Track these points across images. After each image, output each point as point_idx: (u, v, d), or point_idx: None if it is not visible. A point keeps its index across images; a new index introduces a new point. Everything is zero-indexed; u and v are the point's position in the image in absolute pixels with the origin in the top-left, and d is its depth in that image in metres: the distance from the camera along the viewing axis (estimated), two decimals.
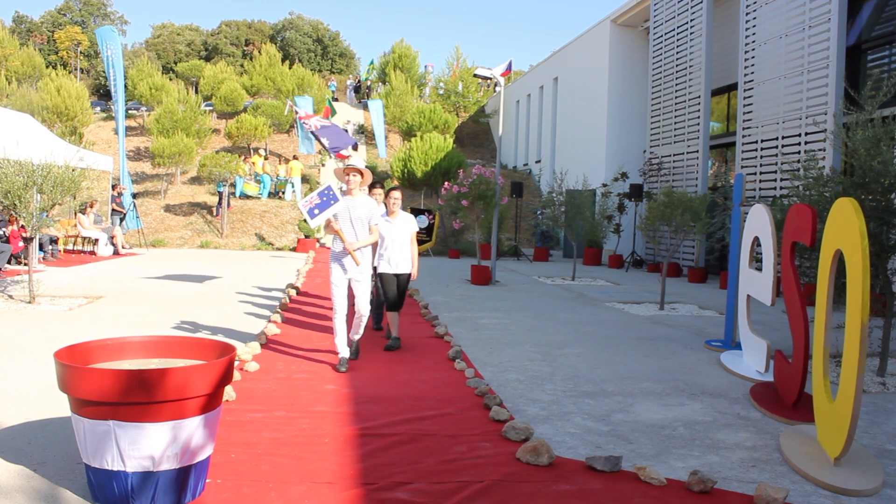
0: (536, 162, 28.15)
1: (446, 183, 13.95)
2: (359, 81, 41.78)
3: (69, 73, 39.05)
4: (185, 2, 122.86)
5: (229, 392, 5.08)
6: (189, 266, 15.13)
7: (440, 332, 7.98)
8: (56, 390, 3.46)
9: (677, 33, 17.79)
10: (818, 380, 4.50)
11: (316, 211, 6.07)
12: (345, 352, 6.32)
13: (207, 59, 56.73)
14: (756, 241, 6.90)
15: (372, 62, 40.78)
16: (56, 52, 57.97)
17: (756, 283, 6.72)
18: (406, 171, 22.43)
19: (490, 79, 15.75)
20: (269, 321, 8.38)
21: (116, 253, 17.15)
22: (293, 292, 10.92)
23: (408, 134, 28.78)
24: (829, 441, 4.23)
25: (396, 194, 7.27)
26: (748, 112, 15.01)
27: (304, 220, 7.74)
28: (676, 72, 17.82)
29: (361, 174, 6.47)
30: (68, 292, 10.38)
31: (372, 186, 7.59)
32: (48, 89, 26.13)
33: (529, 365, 6.67)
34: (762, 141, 14.50)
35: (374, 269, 7.30)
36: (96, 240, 16.75)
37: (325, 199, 6.12)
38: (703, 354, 7.50)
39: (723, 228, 14.41)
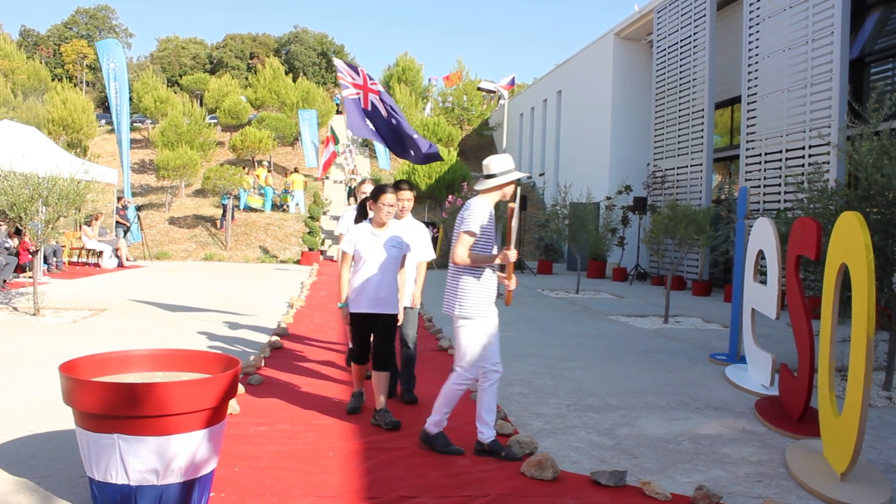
0: (540, 175, 28.19)
1: (450, 196, 13.98)
2: None
3: (75, 86, 39.27)
4: (191, 15, 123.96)
5: (233, 405, 5.07)
6: (193, 279, 15.15)
7: (444, 345, 7.97)
8: (60, 403, 3.45)
9: (680, 46, 17.84)
10: (824, 394, 4.48)
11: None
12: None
13: (212, 72, 57.10)
14: (760, 255, 6.89)
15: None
16: (62, 66, 58.40)
17: (761, 297, 6.70)
18: None
19: (494, 92, 15.81)
20: (273, 334, 8.38)
21: (121, 265, 17.18)
22: (298, 304, 10.92)
23: None
24: (835, 456, 4.20)
25: (393, 196, 5.04)
26: (752, 125, 15.02)
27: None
28: (680, 85, 17.86)
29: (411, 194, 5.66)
30: (73, 304, 10.39)
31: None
32: (54, 102, 26.33)
33: (533, 378, 6.65)
34: (766, 154, 14.50)
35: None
36: (101, 252, 16.79)
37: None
38: (707, 368, 7.47)
39: (727, 242, 14.39)
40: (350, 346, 6.99)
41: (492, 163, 4.48)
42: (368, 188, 6.22)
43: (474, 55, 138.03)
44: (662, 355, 8.09)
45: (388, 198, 4.95)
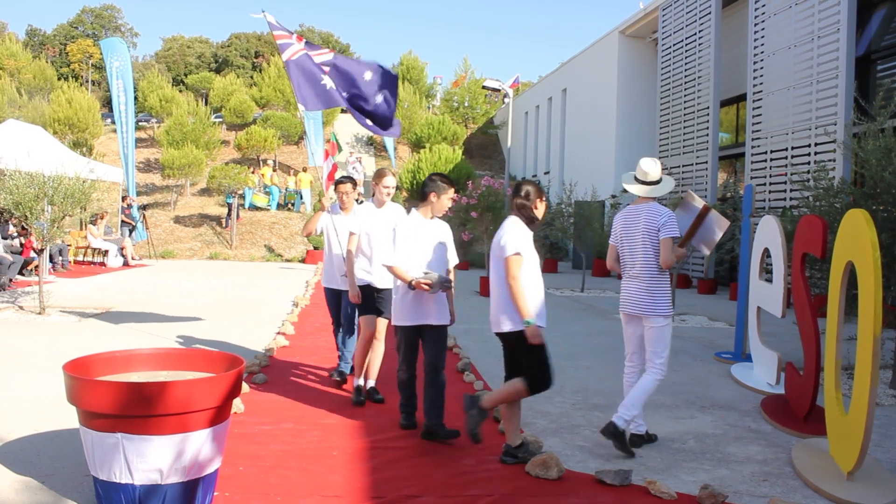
0: (545, 173, 28.14)
1: (455, 194, 13.97)
2: None
3: (80, 85, 39.34)
4: (196, 14, 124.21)
5: (237, 404, 5.07)
6: (198, 278, 15.17)
7: (448, 344, 7.94)
8: (65, 402, 3.45)
9: (686, 44, 17.78)
10: (830, 392, 4.45)
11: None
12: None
13: (217, 71, 57.13)
14: (766, 253, 6.86)
15: None
16: (68, 65, 58.53)
17: (766, 295, 6.67)
18: (415, 182, 22.53)
19: (499, 90, 15.78)
20: (278, 333, 8.38)
21: (126, 264, 17.22)
22: (304, 303, 10.92)
23: (417, 145, 28.88)
24: (841, 455, 4.18)
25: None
26: (757, 123, 14.96)
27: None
28: (685, 82, 17.80)
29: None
30: (78, 303, 10.42)
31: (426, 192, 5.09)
32: (59, 101, 26.33)
33: None
34: (771, 152, 14.44)
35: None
36: (106, 251, 16.83)
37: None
38: (713, 366, 7.45)
39: (732, 240, 14.34)
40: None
41: (651, 169, 4.79)
42: (391, 181, 5.61)
43: (479, 54, 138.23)
44: None
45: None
